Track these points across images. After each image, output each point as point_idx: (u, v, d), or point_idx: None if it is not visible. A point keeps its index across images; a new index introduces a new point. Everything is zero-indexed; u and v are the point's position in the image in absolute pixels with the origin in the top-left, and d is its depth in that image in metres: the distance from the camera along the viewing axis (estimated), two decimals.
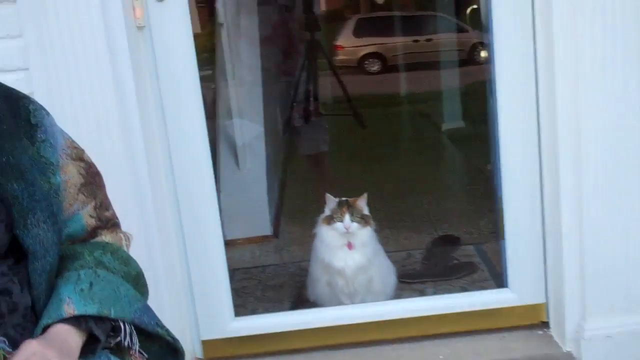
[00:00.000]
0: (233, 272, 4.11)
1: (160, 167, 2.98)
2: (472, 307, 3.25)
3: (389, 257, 3.83)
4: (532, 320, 3.22)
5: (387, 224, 4.76)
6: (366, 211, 3.43)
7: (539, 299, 3.15)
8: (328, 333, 3.25)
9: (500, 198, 3.16)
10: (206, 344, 3.23)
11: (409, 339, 3.23)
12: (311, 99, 7.16)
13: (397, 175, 6.17)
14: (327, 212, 3.42)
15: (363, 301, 3.55)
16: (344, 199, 3.44)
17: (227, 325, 3.23)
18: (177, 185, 3.05)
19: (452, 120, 7.62)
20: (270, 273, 4.27)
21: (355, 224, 3.35)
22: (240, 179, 4.89)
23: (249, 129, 5.03)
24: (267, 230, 4.86)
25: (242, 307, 3.78)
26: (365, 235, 3.40)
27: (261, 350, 3.24)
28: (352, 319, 3.26)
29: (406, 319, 3.26)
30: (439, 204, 5.22)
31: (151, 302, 1.83)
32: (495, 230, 4.33)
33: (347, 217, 3.34)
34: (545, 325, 3.14)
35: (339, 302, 3.54)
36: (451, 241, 4.40)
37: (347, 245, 3.41)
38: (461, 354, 3.12)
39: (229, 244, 4.60)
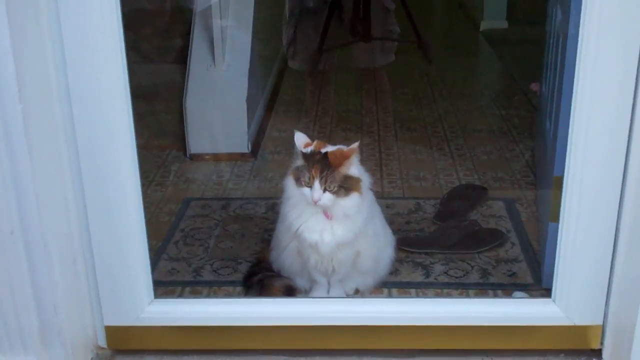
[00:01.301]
0: (187, 203, 3.15)
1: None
2: (495, 320, 2.25)
3: (391, 208, 2.86)
4: (579, 345, 2.29)
5: (394, 156, 3.71)
6: (354, 170, 2.33)
7: (594, 320, 2.25)
8: (284, 333, 2.29)
9: (565, 171, 2.12)
10: (112, 331, 2.30)
11: (398, 352, 2.30)
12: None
13: (413, 87, 5.03)
14: (297, 161, 2.35)
15: (343, 280, 2.56)
16: (320, 150, 2.33)
17: (141, 309, 2.28)
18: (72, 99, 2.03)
19: (493, 18, 6.41)
20: (233, 210, 3.26)
21: (328, 195, 2.29)
22: (215, 79, 3.83)
23: (234, 16, 3.89)
24: (243, 146, 3.81)
25: (184, 261, 2.89)
26: (346, 207, 2.34)
27: (188, 345, 2.31)
28: (320, 319, 2.27)
29: (396, 327, 2.24)
30: (464, 134, 4.15)
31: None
32: (534, 181, 3.32)
33: (316, 184, 2.27)
34: (596, 354, 2.29)
35: (310, 279, 2.56)
36: (475, 194, 3.32)
37: (323, 213, 2.35)
38: None
39: (193, 158, 3.66)
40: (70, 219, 2.14)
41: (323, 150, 2.30)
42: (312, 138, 2.38)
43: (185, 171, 3.73)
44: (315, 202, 2.26)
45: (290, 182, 2.35)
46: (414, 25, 5.49)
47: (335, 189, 2.26)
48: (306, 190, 2.28)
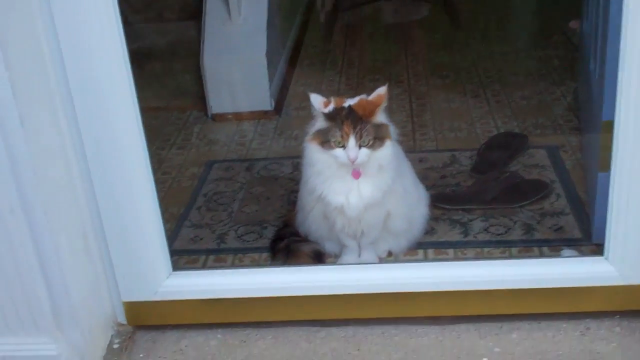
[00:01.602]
0: (209, 166, 3.01)
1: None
2: (542, 282, 2.05)
3: (424, 162, 2.69)
4: (635, 306, 2.09)
5: (426, 106, 3.50)
6: (383, 117, 2.15)
7: None
8: (314, 302, 2.13)
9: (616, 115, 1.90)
10: (131, 307, 2.16)
11: (437, 319, 2.14)
12: None
13: (444, 31, 4.77)
14: (318, 122, 2.14)
15: (375, 243, 2.38)
16: (346, 103, 2.14)
17: (159, 283, 2.14)
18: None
19: None
20: (257, 171, 3.09)
21: (365, 151, 2.10)
22: (232, 35, 3.62)
23: None
24: (266, 104, 3.61)
25: (207, 227, 2.73)
26: (381, 157, 2.15)
27: (211, 318, 2.16)
28: (352, 287, 2.09)
29: (435, 293, 2.06)
30: (500, 79, 3.90)
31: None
32: (579, 125, 3.09)
33: (351, 142, 2.07)
34: None
35: (339, 242, 2.38)
36: (515, 142, 3.10)
37: (351, 174, 2.16)
38: (518, 353, 2.00)
39: (215, 119, 3.49)
40: (75, 190, 1.99)
41: (346, 104, 2.10)
42: (338, 90, 2.18)
43: (207, 132, 3.56)
44: (353, 162, 2.07)
45: (312, 149, 2.16)
46: None
47: (371, 142, 2.07)
48: (338, 151, 2.09)
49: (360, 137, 2.06)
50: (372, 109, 2.10)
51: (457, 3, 5.15)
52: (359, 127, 2.06)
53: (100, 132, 1.94)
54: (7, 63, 1.68)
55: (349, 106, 2.11)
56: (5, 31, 1.68)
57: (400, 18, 5.20)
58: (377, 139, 2.09)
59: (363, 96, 2.16)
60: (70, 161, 1.96)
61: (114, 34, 1.85)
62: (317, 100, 2.14)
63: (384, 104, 2.13)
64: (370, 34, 4.91)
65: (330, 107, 2.13)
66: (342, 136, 2.06)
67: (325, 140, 2.10)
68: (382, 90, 2.14)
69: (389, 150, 2.15)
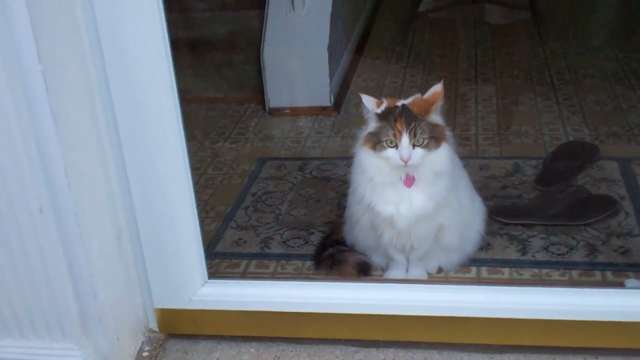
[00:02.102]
0: (261, 163, 2.90)
1: None
2: (602, 314, 1.89)
3: (485, 170, 2.56)
4: None
5: (492, 107, 3.33)
6: (438, 118, 2.01)
7: None
8: (354, 321, 2.00)
9: None
10: (163, 314, 2.07)
11: (484, 347, 1.99)
12: None
13: (516, 28, 4.54)
14: (370, 125, 2.03)
15: (424, 258, 2.26)
16: (399, 103, 2.03)
17: (193, 291, 2.05)
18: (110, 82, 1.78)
19: None
20: (310, 171, 2.98)
21: (420, 151, 1.97)
22: (294, 26, 3.50)
23: None
24: (325, 99, 3.49)
25: (252, 229, 2.64)
26: (436, 162, 2.02)
27: (246, 331, 2.06)
28: (396, 308, 1.97)
29: (484, 319, 1.92)
30: (574, 81, 3.70)
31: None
32: None
33: (405, 139, 1.95)
34: None
35: (386, 255, 2.25)
36: (585, 152, 2.91)
37: (403, 181, 2.03)
38: None
39: (272, 113, 3.39)
40: (111, 191, 1.91)
41: (399, 104, 1.98)
42: (401, 86, 2.06)
43: (263, 127, 3.46)
44: (406, 162, 1.95)
45: (364, 154, 2.05)
46: None
47: (426, 141, 1.95)
48: (390, 152, 1.97)
49: (414, 135, 1.94)
50: (427, 107, 1.99)
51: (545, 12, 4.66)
52: (412, 125, 1.94)
53: (139, 130, 1.85)
54: (40, 54, 1.60)
55: (403, 105, 1.99)
56: (38, 19, 1.58)
57: (483, 20, 4.90)
58: (433, 138, 1.97)
59: (417, 95, 2.04)
60: (106, 160, 1.88)
61: (155, 24, 1.75)
62: (368, 101, 2.03)
63: (440, 102, 2.00)
64: (443, 33, 4.71)
65: (383, 107, 2.01)
66: (394, 135, 1.95)
67: (377, 141, 1.99)
68: (437, 87, 2.02)
69: (445, 154, 2.02)
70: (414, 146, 1.96)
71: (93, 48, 1.75)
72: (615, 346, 1.91)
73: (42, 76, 1.62)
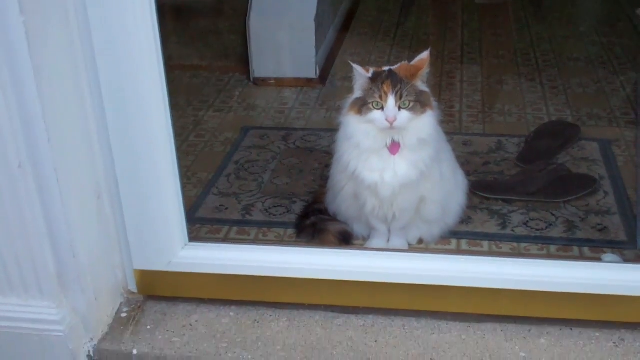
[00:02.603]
0: (245, 132, 2.90)
1: None
2: (579, 286, 1.91)
3: (469, 146, 2.56)
4: None
5: (477, 86, 3.33)
6: (424, 86, 2.03)
7: None
8: (334, 287, 2.00)
9: None
10: (142, 276, 2.06)
11: (462, 316, 2.00)
12: None
13: (503, 10, 4.54)
14: (357, 92, 2.03)
15: (405, 229, 2.25)
16: (385, 68, 2.03)
17: (173, 253, 2.03)
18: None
19: None
20: (294, 142, 2.97)
21: (405, 113, 1.98)
22: None
23: None
24: (310, 71, 3.48)
25: (234, 196, 2.64)
26: (421, 128, 2.03)
27: (226, 295, 2.06)
28: (377, 275, 1.97)
29: (463, 288, 1.93)
30: (558, 64, 3.70)
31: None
32: (635, 120, 2.91)
33: (390, 100, 1.96)
34: None
35: (367, 224, 2.25)
36: (566, 132, 2.92)
37: (388, 148, 2.04)
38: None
39: (257, 83, 3.37)
40: (92, 149, 1.89)
41: (386, 69, 2.01)
42: (387, 62, 2.07)
43: (247, 97, 3.45)
44: (392, 123, 1.96)
45: (350, 119, 2.06)
46: None
47: (412, 104, 1.96)
48: (376, 114, 1.98)
49: (400, 97, 1.96)
50: (413, 71, 2.01)
51: None
52: (399, 87, 1.96)
53: (122, 88, 1.82)
54: (22, 6, 1.57)
55: (389, 69, 2.01)
56: None
57: (472, 1, 4.85)
58: (419, 102, 1.98)
59: (404, 62, 2.06)
60: (87, 117, 1.85)
61: None
62: (359, 68, 2.04)
63: (427, 69, 2.02)
64: (431, 12, 4.70)
65: (371, 72, 2.03)
66: (380, 96, 1.96)
67: (363, 104, 2.00)
68: (424, 54, 2.04)
69: (430, 120, 2.04)
70: (399, 108, 1.97)
71: (77, 5, 1.73)
72: (591, 318, 1.93)
73: (24, 28, 1.59)
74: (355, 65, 2.03)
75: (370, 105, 1.99)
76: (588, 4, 4.93)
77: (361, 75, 2.01)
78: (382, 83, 1.97)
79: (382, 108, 1.98)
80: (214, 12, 3.75)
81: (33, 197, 1.76)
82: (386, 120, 1.97)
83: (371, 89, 1.99)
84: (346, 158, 2.12)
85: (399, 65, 2.05)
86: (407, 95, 1.97)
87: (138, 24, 1.75)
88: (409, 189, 2.12)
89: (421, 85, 2.02)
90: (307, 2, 3.47)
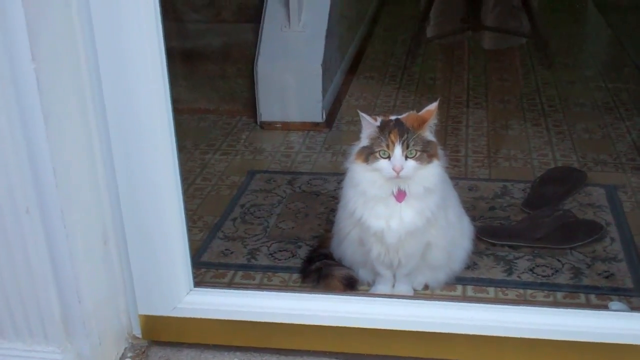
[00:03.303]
0: (251, 175, 2.92)
1: None
2: (586, 335, 1.89)
3: (474, 191, 2.61)
4: None
5: (483, 131, 3.35)
6: (431, 136, 2.04)
7: None
8: (339, 334, 1.99)
9: None
10: (147, 321, 2.05)
11: None
12: None
13: (509, 54, 4.57)
14: (363, 140, 2.04)
15: (411, 275, 2.26)
16: (392, 117, 2.06)
17: (178, 299, 2.04)
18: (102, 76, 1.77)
19: None
20: (299, 186, 2.99)
21: (412, 163, 1.99)
22: (289, 41, 3.52)
23: None
24: (317, 115, 3.51)
25: (239, 240, 2.64)
26: (428, 177, 2.04)
27: (231, 341, 2.06)
28: (382, 322, 1.97)
29: (469, 336, 1.91)
30: (564, 109, 3.74)
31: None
32: None
33: (397, 150, 1.97)
34: None
35: (373, 270, 2.26)
36: (572, 178, 2.93)
37: (395, 195, 2.05)
38: None
39: (263, 127, 3.40)
40: (99, 194, 1.90)
41: (393, 118, 2.03)
42: (394, 107, 2.09)
43: (254, 140, 3.47)
44: (398, 172, 1.97)
45: (356, 167, 2.07)
46: (531, 15, 4.43)
47: (418, 154, 1.98)
48: (383, 163, 1.99)
49: (407, 146, 1.96)
50: (420, 122, 2.02)
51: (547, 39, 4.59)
52: (405, 137, 1.97)
53: (130, 134, 1.84)
54: (34, 53, 1.60)
55: (397, 118, 2.02)
56: (34, 19, 1.59)
57: (479, 46, 4.87)
58: (425, 152, 2.00)
59: (412, 112, 2.07)
60: (95, 162, 1.87)
61: (152, 33, 1.76)
62: (366, 117, 2.06)
63: (433, 120, 2.03)
64: (438, 57, 4.74)
65: (379, 121, 2.04)
66: (387, 145, 1.97)
67: (370, 152, 2.01)
68: (432, 106, 2.05)
69: (436, 170, 2.04)
70: (406, 157, 1.97)
71: (87, 51, 1.75)
72: None
73: (35, 75, 1.62)
74: (363, 114, 2.04)
75: (377, 154, 2.00)
76: (594, 49, 4.96)
77: (369, 123, 2.02)
78: (390, 132, 1.98)
79: (389, 157, 1.99)
80: (222, 57, 3.79)
81: (40, 242, 1.77)
82: (393, 169, 1.98)
83: (378, 137, 2.00)
84: (352, 205, 2.12)
85: (407, 114, 2.06)
86: (413, 145, 1.98)
87: (148, 71, 1.78)
88: (415, 235, 2.13)
89: (429, 135, 2.04)
90: (314, 47, 3.50)
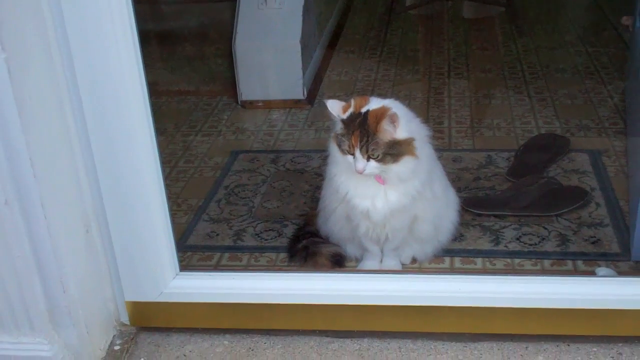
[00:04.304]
0: (234, 156, 2.92)
1: None
2: (574, 302, 1.90)
3: (458, 162, 2.64)
4: None
5: (465, 101, 3.34)
6: (402, 132, 1.97)
7: None
8: (328, 312, 1.99)
9: None
10: (134, 307, 2.04)
11: (459, 336, 1.99)
12: None
13: (488, 22, 4.56)
14: (336, 125, 2.02)
15: (398, 248, 2.25)
16: (369, 105, 2.00)
17: (164, 284, 2.03)
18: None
19: None
20: (283, 164, 2.96)
21: (373, 164, 1.97)
22: (266, 19, 3.48)
23: None
24: (298, 92, 3.48)
25: (225, 222, 2.61)
26: (400, 172, 2.02)
27: (219, 323, 2.04)
28: (371, 298, 1.96)
29: (458, 308, 1.92)
30: (545, 75, 3.72)
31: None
32: (624, 129, 2.92)
33: (357, 154, 1.96)
34: None
35: (361, 246, 2.23)
36: (556, 145, 2.93)
37: (375, 178, 2.03)
38: None
39: (245, 106, 3.37)
40: (79, 182, 1.88)
41: (363, 110, 1.98)
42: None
43: (236, 120, 3.44)
44: (360, 172, 1.95)
45: (334, 148, 2.05)
46: None
47: (380, 156, 1.94)
48: (349, 158, 1.98)
49: (367, 151, 1.94)
50: (377, 123, 1.94)
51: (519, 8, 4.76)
52: (365, 141, 1.94)
53: (106, 118, 1.81)
54: (3, 42, 1.56)
55: (365, 114, 1.97)
56: (1, 7, 1.55)
57: (457, 16, 4.84)
58: (390, 155, 1.96)
59: (387, 103, 2.01)
60: (74, 151, 1.84)
61: (123, 13, 1.72)
62: (335, 106, 2.02)
63: (402, 120, 1.96)
64: (416, 28, 4.71)
65: (349, 111, 2.00)
66: (349, 146, 1.96)
67: (339, 144, 1.99)
68: (386, 103, 2.00)
69: (406, 167, 2.00)
70: (368, 158, 1.95)
71: (59, 37, 1.72)
72: (588, 333, 1.92)
73: (6, 65, 1.59)
74: (329, 103, 2.00)
75: (344, 150, 1.99)
76: (572, 14, 4.94)
77: (335, 116, 1.99)
78: (352, 133, 1.95)
79: (353, 155, 1.97)
80: (199, 37, 3.76)
81: (21, 233, 1.75)
82: (355, 168, 1.97)
83: (343, 134, 1.98)
84: (336, 181, 2.11)
85: (379, 106, 1.99)
86: (373, 150, 1.95)
87: (121, 54, 1.74)
88: (401, 213, 2.11)
89: (398, 133, 1.96)
90: (292, 23, 3.47)
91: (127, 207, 1.91)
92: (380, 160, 1.95)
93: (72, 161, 1.84)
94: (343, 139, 1.97)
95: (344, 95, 3.47)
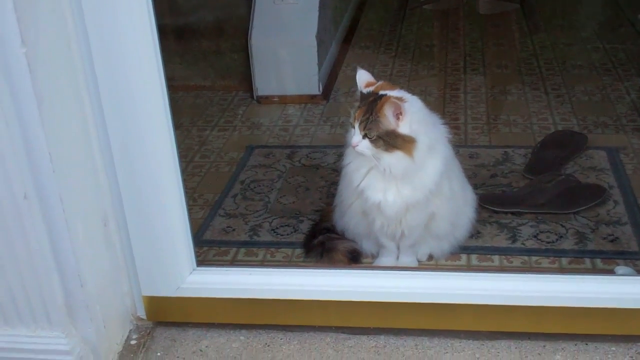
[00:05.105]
0: (250, 151, 2.92)
1: None
2: (592, 301, 1.88)
3: (475, 159, 2.62)
4: None
5: (481, 97, 3.33)
6: (405, 128, 1.96)
7: None
8: (345, 308, 1.98)
9: None
10: (151, 302, 2.04)
11: (476, 334, 1.98)
12: None
13: (505, 19, 4.53)
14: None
15: (415, 245, 2.24)
16: (378, 92, 2.01)
17: (181, 279, 2.02)
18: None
19: None
20: (299, 160, 2.96)
21: (366, 144, 1.98)
22: (282, 14, 3.48)
23: None
24: (313, 87, 3.47)
25: (241, 217, 2.62)
26: (391, 163, 2.01)
27: (236, 319, 2.05)
28: (387, 295, 1.96)
29: (475, 306, 1.91)
30: (562, 72, 3.71)
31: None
32: None
33: (356, 126, 1.99)
34: None
35: (377, 242, 2.23)
36: (573, 141, 2.90)
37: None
38: None
39: (260, 101, 3.37)
40: (97, 177, 1.88)
41: (381, 93, 1.98)
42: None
43: (251, 115, 3.44)
44: (354, 147, 1.98)
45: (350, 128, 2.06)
46: None
47: (374, 137, 1.95)
48: (351, 131, 2.01)
49: (364, 127, 1.95)
50: (382, 105, 1.94)
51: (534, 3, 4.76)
52: (366, 117, 1.95)
53: (125, 113, 1.81)
54: (23, 37, 1.56)
55: (380, 96, 1.98)
56: (22, 2, 1.55)
57: (473, 12, 4.82)
58: (383, 140, 1.96)
59: (404, 93, 2.03)
60: (92, 145, 1.84)
61: (142, 11, 1.72)
62: (362, 77, 2.07)
63: (390, 107, 1.93)
64: (432, 23, 4.69)
65: (370, 88, 2.03)
66: (353, 119, 1.98)
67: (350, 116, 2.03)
68: (393, 93, 2.00)
69: (397, 162, 1.99)
70: (365, 136, 1.96)
71: (78, 33, 1.72)
72: (606, 332, 1.91)
73: (26, 60, 1.58)
74: (360, 72, 2.05)
75: (350, 121, 2.02)
76: (588, 10, 4.91)
77: (358, 85, 2.04)
78: (359, 108, 1.98)
79: (353, 128, 2.00)
80: (215, 32, 3.75)
81: (39, 228, 1.75)
82: (351, 142, 2.00)
83: (355, 107, 2.01)
84: (348, 174, 2.12)
85: (398, 92, 2.02)
86: (369, 129, 1.96)
87: (140, 48, 1.74)
88: (416, 208, 2.11)
89: (402, 127, 1.96)
90: (308, 19, 3.46)
91: (145, 202, 1.91)
92: (374, 142, 1.96)
93: (90, 156, 1.84)
94: (352, 110, 2.00)
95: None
